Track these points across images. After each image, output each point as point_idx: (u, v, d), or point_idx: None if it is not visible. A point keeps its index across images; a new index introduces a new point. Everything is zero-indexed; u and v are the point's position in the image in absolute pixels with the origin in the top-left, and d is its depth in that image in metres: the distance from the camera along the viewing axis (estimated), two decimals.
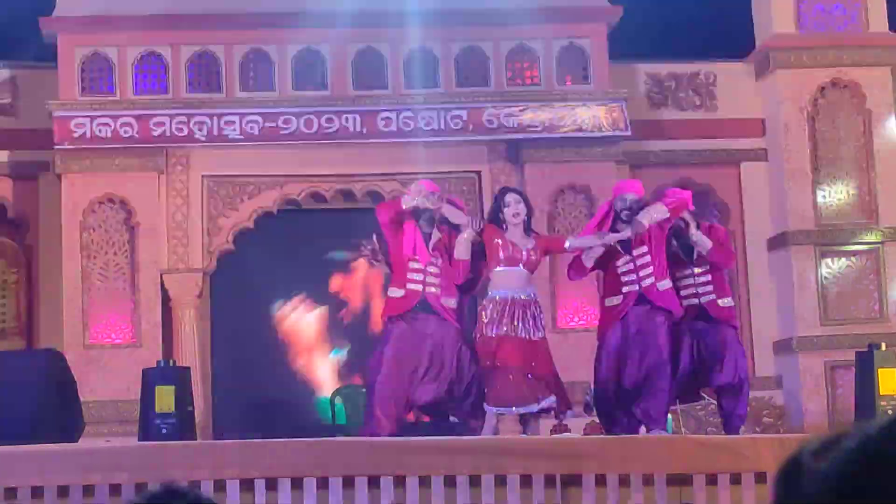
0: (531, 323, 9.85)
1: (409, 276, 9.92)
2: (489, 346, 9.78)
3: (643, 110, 14.71)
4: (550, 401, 9.70)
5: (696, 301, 10.24)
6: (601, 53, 14.30)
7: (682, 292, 10.26)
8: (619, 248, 10.11)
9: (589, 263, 10.21)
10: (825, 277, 14.30)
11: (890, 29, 14.67)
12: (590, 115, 14.06)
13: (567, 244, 10.27)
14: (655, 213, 10.05)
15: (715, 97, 14.99)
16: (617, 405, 10.09)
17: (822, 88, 14.54)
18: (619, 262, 10.10)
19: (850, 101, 14.55)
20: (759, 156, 14.84)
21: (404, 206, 9.87)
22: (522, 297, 9.89)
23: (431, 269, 9.94)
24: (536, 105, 14.04)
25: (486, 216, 10.62)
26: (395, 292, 10.01)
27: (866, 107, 14.52)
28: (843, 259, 14.35)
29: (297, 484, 8.52)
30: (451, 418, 10.30)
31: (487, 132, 13.94)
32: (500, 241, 9.88)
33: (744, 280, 14.79)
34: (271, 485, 8.50)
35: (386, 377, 9.84)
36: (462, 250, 9.94)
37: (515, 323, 9.79)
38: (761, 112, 14.87)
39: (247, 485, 8.44)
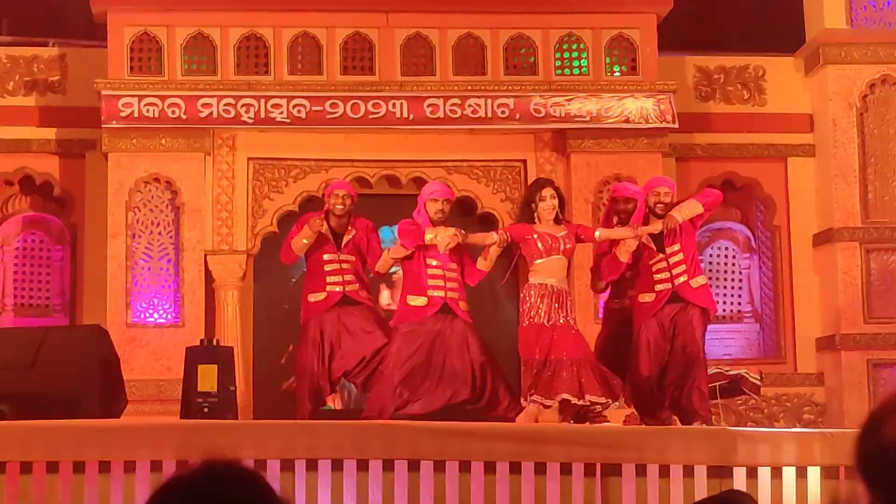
0: (569, 312, 9.90)
1: (431, 282, 10.03)
2: (541, 335, 9.80)
3: (691, 103, 14.64)
4: (598, 399, 9.73)
5: (669, 285, 10.17)
6: (650, 44, 14.24)
7: (656, 276, 10.21)
8: (652, 245, 10.12)
9: (624, 258, 10.20)
10: (870, 275, 14.20)
11: None
12: (637, 107, 14.01)
13: (597, 234, 10.28)
14: (688, 210, 10.05)
15: (763, 91, 14.91)
16: (655, 399, 10.08)
17: (872, 85, 14.44)
18: (653, 261, 10.12)
19: None
20: (807, 151, 14.75)
21: (427, 241, 10.01)
22: (561, 286, 9.93)
23: (450, 275, 10.06)
24: (584, 95, 14.00)
25: (520, 206, 10.71)
26: (415, 300, 10.07)
27: None
28: (889, 256, 14.26)
29: (336, 465, 8.53)
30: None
31: (534, 121, 13.90)
32: (534, 236, 9.94)
33: (788, 276, 14.72)
34: (311, 466, 8.52)
35: (389, 378, 9.98)
36: (487, 263, 10.10)
37: (559, 312, 9.82)
38: (810, 107, 14.78)
39: (287, 465, 8.46)
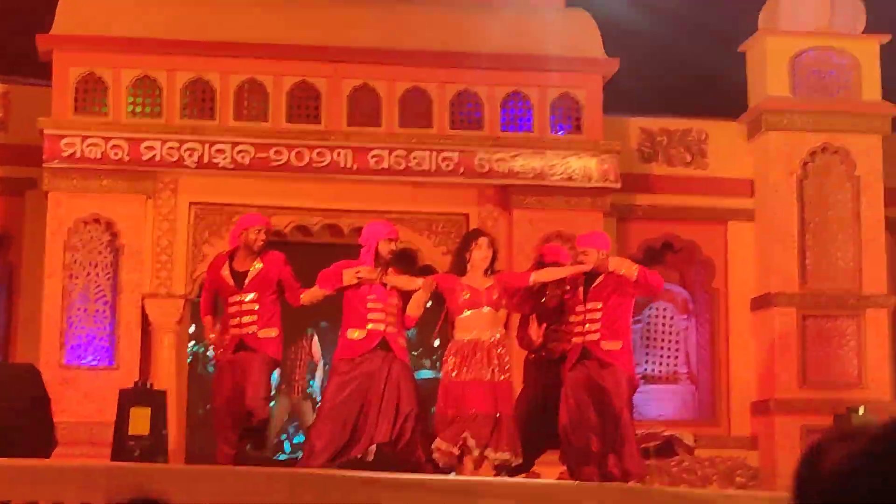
0: (496, 365, 9.81)
1: (370, 315, 9.96)
2: (455, 391, 9.76)
3: (634, 164, 14.74)
4: (504, 457, 9.65)
5: (581, 339, 10.09)
6: (595, 105, 14.34)
7: (575, 329, 10.13)
8: (580, 295, 10.06)
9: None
10: (806, 341, 14.30)
11: (883, 98, 14.74)
12: (581, 166, 14.08)
13: (532, 278, 10.18)
14: (625, 267, 9.98)
15: (706, 155, 15.03)
16: (582, 455, 9.96)
17: (813, 153, 14.60)
18: (576, 311, 10.07)
19: (839, 166, 14.61)
20: (747, 216, 14.87)
21: (345, 283, 9.94)
22: (488, 339, 9.85)
23: (390, 309, 10.01)
24: (528, 152, 14.06)
25: (453, 255, 10.64)
26: (355, 333, 10.00)
27: (855, 173, 14.58)
28: (825, 323, 14.37)
29: None
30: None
31: (478, 176, 13.94)
32: (459, 288, 9.89)
33: (725, 339, 14.79)
34: None
35: (324, 419, 9.91)
36: (415, 307, 10.05)
37: (484, 367, 9.75)
38: (751, 172, 14.91)
39: None
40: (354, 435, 10.01)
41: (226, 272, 10.23)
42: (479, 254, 10.01)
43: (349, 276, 9.98)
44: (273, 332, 9.96)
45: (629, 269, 9.95)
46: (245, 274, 10.20)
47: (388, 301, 10.04)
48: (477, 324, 9.86)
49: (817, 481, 1.14)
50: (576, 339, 9.97)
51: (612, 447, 9.79)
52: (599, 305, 9.92)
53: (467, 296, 9.88)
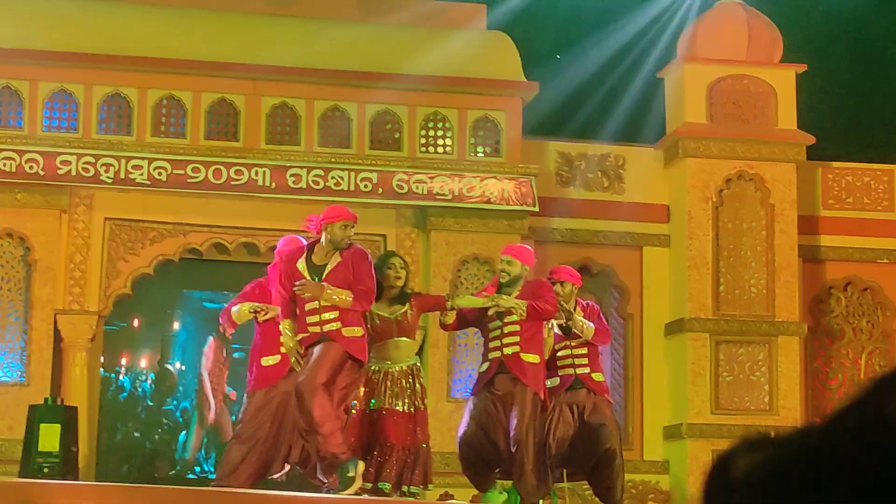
0: (409, 395, 9.67)
1: (283, 339, 9.87)
2: (361, 423, 9.67)
3: (551, 187, 14.80)
4: (416, 489, 9.59)
5: (571, 371, 10.20)
6: (514, 127, 14.40)
7: (490, 344, 10.14)
8: (495, 314, 10.05)
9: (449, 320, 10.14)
10: (719, 366, 14.42)
11: (798, 127, 14.92)
12: (499, 188, 14.12)
13: (449, 304, 10.08)
14: (581, 326, 10.09)
15: (622, 180, 15.13)
16: (481, 469, 9.96)
17: (729, 180, 14.74)
18: (490, 327, 10.06)
19: (754, 194, 14.75)
20: (663, 241, 14.97)
21: (233, 318, 9.87)
22: (398, 368, 9.71)
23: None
24: (446, 174, 14.08)
25: None
26: (270, 360, 9.89)
27: (770, 201, 14.73)
28: (738, 349, 14.49)
29: None
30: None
31: (396, 196, 13.94)
32: (368, 316, 9.75)
33: (638, 363, 14.88)
34: None
35: (242, 439, 9.81)
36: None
37: (392, 397, 9.63)
38: (667, 198, 15.03)
39: None
40: (270, 456, 9.93)
41: (302, 265, 9.74)
42: (393, 273, 9.92)
43: (245, 312, 9.89)
44: (358, 331, 9.48)
45: (585, 330, 10.04)
46: (323, 268, 9.66)
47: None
48: (386, 354, 9.73)
49: (725, 492, 1.14)
50: (493, 355, 9.95)
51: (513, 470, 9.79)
52: (515, 318, 9.94)
53: (377, 322, 9.75)
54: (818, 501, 1.08)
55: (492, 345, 9.95)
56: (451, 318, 9.94)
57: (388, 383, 9.63)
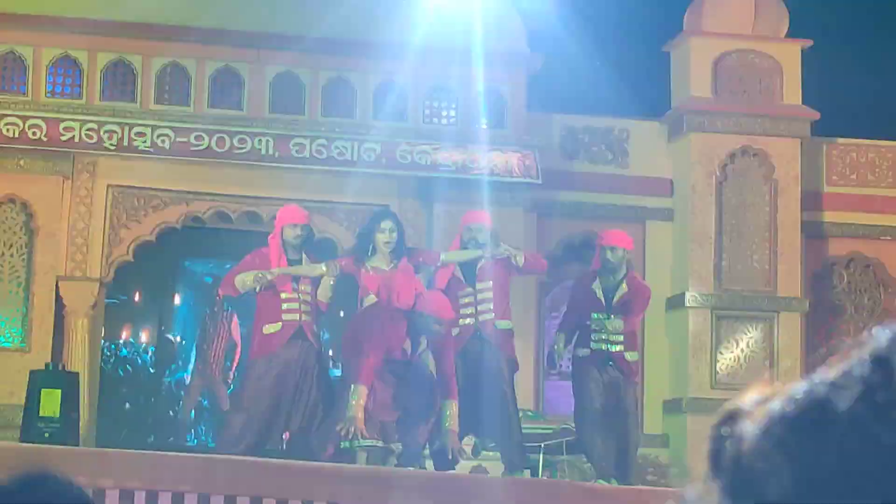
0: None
1: (285, 306, 9.94)
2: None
3: (555, 160, 14.77)
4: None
5: (472, 321, 10.14)
6: (519, 100, 14.37)
7: (462, 311, 10.16)
8: (462, 279, 10.10)
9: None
10: (720, 341, 14.42)
11: (804, 102, 14.88)
12: (503, 160, 14.09)
13: (442, 257, 10.25)
14: (517, 255, 10.10)
15: (627, 154, 15.11)
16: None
17: (732, 155, 14.71)
18: (461, 293, 10.10)
19: (758, 169, 14.73)
20: (666, 215, 14.96)
21: (238, 289, 9.96)
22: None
23: (303, 297, 9.99)
24: (450, 145, 14.06)
25: (356, 237, 10.63)
26: (271, 328, 9.95)
27: (774, 177, 14.71)
28: (739, 324, 14.49)
29: (178, 499, 8.39)
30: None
31: (400, 167, 13.92)
32: (364, 269, 9.89)
33: (640, 337, 14.85)
34: (151, 497, 8.37)
35: (241, 408, 9.86)
36: (324, 292, 10.04)
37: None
38: (671, 173, 15.01)
39: (126, 496, 8.30)
40: (270, 424, 9.96)
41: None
42: (383, 237, 9.97)
43: (248, 281, 9.95)
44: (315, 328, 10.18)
45: (516, 257, 10.08)
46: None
47: (300, 290, 10.01)
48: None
49: (728, 447, 1.12)
50: (465, 321, 10.00)
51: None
52: (489, 284, 9.99)
53: (373, 298, 9.82)
54: (828, 454, 1.07)
55: (464, 311, 10.00)
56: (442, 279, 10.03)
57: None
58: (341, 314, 13.34)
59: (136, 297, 16.20)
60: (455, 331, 9.99)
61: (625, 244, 10.44)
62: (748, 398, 1.14)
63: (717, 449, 1.13)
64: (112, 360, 15.14)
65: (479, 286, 10.03)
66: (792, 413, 1.10)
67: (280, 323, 9.93)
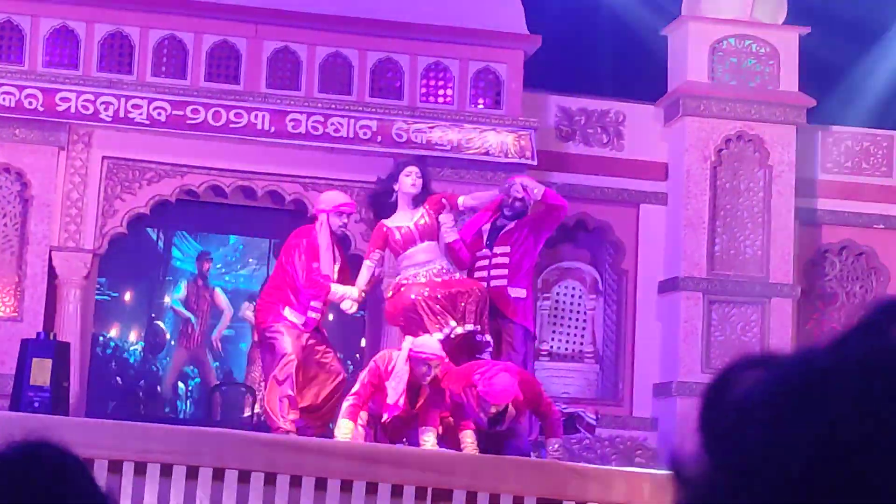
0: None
1: (313, 303, 9.98)
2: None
3: (550, 141, 14.78)
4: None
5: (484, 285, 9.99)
6: (515, 80, 14.37)
7: (476, 274, 10.06)
8: (483, 241, 10.04)
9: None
10: (711, 326, 14.45)
11: (800, 89, 14.89)
12: (498, 141, 14.10)
13: (460, 200, 10.16)
14: (533, 184, 10.02)
15: (622, 137, 15.11)
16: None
17: (728, 140, 14.72)
18: (479, 256, 10.04)
19: (753, 155, 14.74)
20: (660, 199, 14.97)
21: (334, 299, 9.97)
22: (427, 269, 9.79)
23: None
24: (446, 124, 14.06)
25: (378, 185, 10.54)
26: (294, 316, 9.95)
27: (769, 162, 14.72)
28: (730, 309, 14.52)
29: (166, 470, 8.42)
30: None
31: (395, 145, 13.92)
32: (390, 235, 9.86)
33: (631, 320, 14.90)
34: (140, 469, 8.40)
35: (281, 381, 9.82)
36: (346, 305, 10.08)
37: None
38: (666, 156, 15.01)
39: (115, 466, 8.33)
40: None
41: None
42: (409, 181, 9.91)
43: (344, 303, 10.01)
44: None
45: (538, 189, 9.99)
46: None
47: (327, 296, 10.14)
48: (416, 259, 9.84)
49: (722, 411, 1.12)
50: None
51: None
52: (507, 249, 9.93)
53: (398, 237, 9.83)
54: (822, 423, 1.07)
55: (477, 275, 9.95)
56: (453, 234, 9.94)
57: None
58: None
59: (127, 297, 15.96)
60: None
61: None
62: (737, 364, 1.14)
63: (710, 415, 1.13)
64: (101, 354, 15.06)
65: (496, 249, 9.94)
66: (784, 379, 1.10)
67: (304, 318, 9.99)
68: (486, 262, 9.97)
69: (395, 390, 9.20)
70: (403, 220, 9.90)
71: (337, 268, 10.11)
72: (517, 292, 9.95)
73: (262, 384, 10.24)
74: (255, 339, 12.66)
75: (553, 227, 10.66)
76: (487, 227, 10.19)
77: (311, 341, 10.08)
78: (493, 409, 9.16)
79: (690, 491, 1.13)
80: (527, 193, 9.96)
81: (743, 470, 1.08)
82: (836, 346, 1.12)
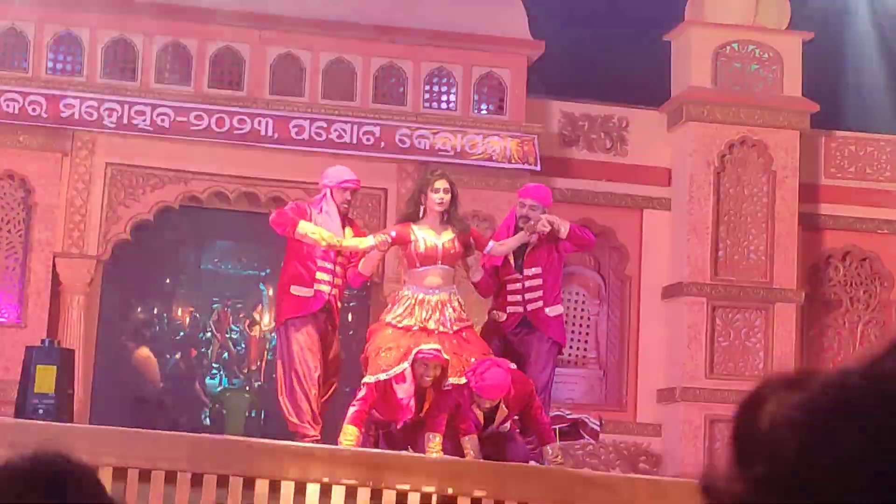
0: (447, 321, 9.56)
1: (319, 275, 9.70)
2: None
3: (554, 147, 14.78)
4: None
5: (521, 309, 9.91)
6: (519, 86, 14.37)
7: (509, 297, 10.05)
8: (511, 263, 9.90)
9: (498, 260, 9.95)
10: (715, 331, 14.44)
11: (803, 94, 14.88)
12: (501, 146, 14.11)
13: (488, 247, 9.88)
14: (558, 222, 9.79)
15: (626, 142, 15.11)
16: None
17: (731, 145, 14.72)
18: (508, 278, 9.91)
19: (756, 160, 14.74)
20: (663, 205, 14.97)
21: (297, 235, 9.67)
22: (435, 297, 9.58)
23: (338, 270, 9.81)
24: (449, 130, 14.07)
25: (409, 199, 10.29)
26: (301, 290, 9.72)
27: (772, 168, 14.72)
28: (734, 314, 14.51)
29: (171, 478, 8.41)
30: None
31: (398, 151, 13.93)
32: (413, 242, 9.64)
33: (635, 325, 14.90)
34: (145, 476, 8.40)
35: (298, 381, 9.71)
36: (368, 266, 9.82)
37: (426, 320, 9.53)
38: (669, 162, 15.01)
39: (120, 474, 8.32)
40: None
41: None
42: (437, 196, 9.67)
43: (313, 235, 9.70)
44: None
45: (563, 227, 9.79)
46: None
47: (336, 261, 9.79)
48: (423, 280, 9.64)
49: (757, 430, 1.12)
50: (512, 309, 9.83)
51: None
52: (538, 271, 9.81)
53: (421, 248, 9.63)
54: (858, 441, 1.07)
55: (511, 298, 9.84)
56: (478, 274, 9.80)
57: (426, 309, 9.52)
58: None
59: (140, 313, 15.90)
60: (503, 316, 9.89)
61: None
62: (771, 382, 1.14)
63: (744, 433, 1.13)
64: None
65: (527, 271, 9.85)
66: (820, 398, 1.09)
67: (312, 290, 9.71)
68: (518, 286, 9.87)
69: (407, 392, 9.17)
70: (430, 235, 9.70)
71: (350, 235, 9.85)
72: (555, 310, 9.87)
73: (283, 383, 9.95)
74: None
75: (572, 251, 10.56)
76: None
77: (321, 327, 9.81)
78: (487, 405, 9.16)
79: None
80: (552, 229, 9.82)
81: (778, 491, 1.08)
82: (870, 365, 1.12)
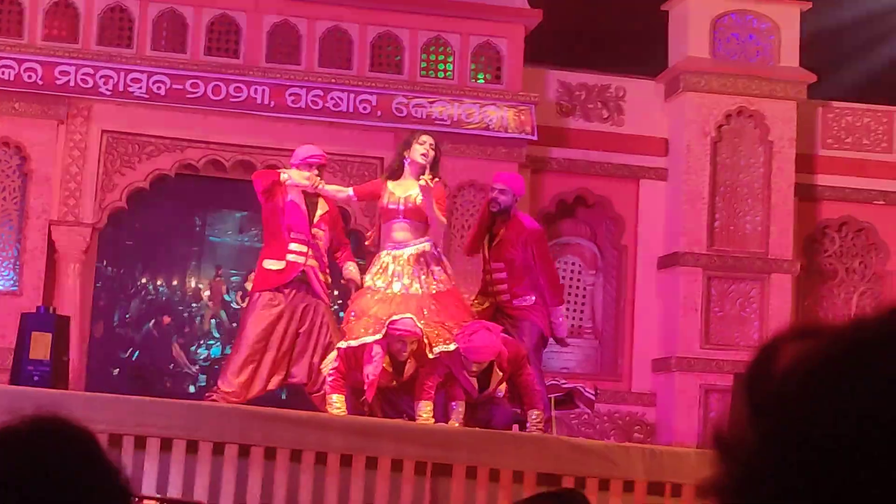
0: (422, 283, 9.57)
1: (291, 247, 9.74)
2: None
3: (551, 116, 14.76)
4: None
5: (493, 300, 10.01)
6: (516, 55, 14.34)
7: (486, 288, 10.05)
8: (487, 256, 10.00)
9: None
10: (710, 301, 14.45)
11: (801, 65, 14.86)
12: (498, 116, 14.09)
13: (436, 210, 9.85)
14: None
15: (622, 112, 15.08)
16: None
17: (728, 115, 14.70)
18: (483, 269, 10.07)
19: (753, 130, 14.72)
20: (660, 175, 14.96)
21: (282, 180, 9.77)
22: (406, 252, 9.59)
23: (318, 242, 9.85)
24: (447, 99, 14.04)
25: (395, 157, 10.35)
26: (273, 264, 9.77)
27: (769, 138, 14.70)
28: (730, 285, 14.51)
29: (165, 445, 8.42)
30: None
31: (395, 120, 13.90)
32: (382, 197, 9.74)
33: (631, 295, 14.90)
34: (140, 443, 8.40)
35: (237, 349, 9.78)
36: (329, 189, 9.97)
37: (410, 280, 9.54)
38: (666, 132, 14.99)
39: (115, 440, 8.32)
40: (272, 370, 9.87)
41: (298, 205, 10.10)
42: (421, 149, 9.73)
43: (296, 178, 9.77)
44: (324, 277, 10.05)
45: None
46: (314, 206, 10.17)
47: (310, 234, 9.82)
48: (394, 235, 9.68)
49: (768, 383, 1.11)
50: (488, 299, 9.93)
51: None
52: (501, 265, 9.88)
53: (385, 202, 9.67)
54: (872, 392, 1.06)
55: (488, 289, 9.96)
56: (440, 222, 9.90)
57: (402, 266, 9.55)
58: None
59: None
60: (485, 305, 9.97)
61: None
62: (786, 332, 1.13)
63: (756, 383, 1.11)
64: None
65: (493, 265, 9.95)
66: (833, 349, 1.08)
67: (284, 262, 9.76)
68: (488, 277, 9.99)
69: (373, 372, 9.17)
70: (398, 190, 9.75)
71: (323, 213, 9.93)
72: (523, 301, 9.93)
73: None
74: None
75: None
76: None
77: (295, 300, 9.83)
78: (475, 367, 9.14)
79: (735, 463, 1.12)
80: (502, 208, 9.91)
81: (791, 441, 1.07)
82: (886, 316, 1.11)
